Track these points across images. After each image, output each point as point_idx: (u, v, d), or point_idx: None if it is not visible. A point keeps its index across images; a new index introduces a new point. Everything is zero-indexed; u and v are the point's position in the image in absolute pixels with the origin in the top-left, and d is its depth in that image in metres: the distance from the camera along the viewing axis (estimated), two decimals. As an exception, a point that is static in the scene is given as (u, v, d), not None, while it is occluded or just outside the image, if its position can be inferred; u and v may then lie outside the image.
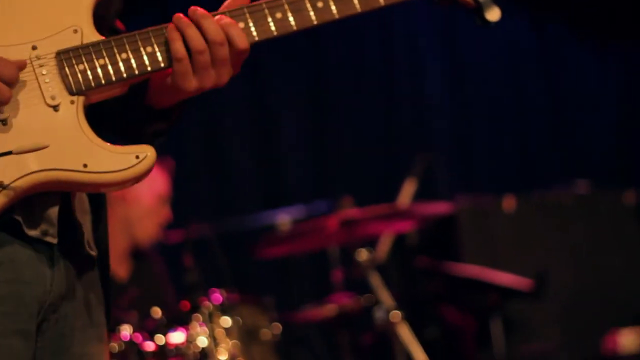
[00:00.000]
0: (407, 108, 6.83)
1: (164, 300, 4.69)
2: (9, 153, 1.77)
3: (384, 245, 5.13)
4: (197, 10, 1.87)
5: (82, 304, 1.92)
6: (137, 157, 1.82)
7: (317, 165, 6.55)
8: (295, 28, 1.93)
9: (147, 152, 1.82)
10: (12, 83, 1.77)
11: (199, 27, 1.86)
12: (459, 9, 2.03)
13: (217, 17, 1.88)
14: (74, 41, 1.84)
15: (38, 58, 1.81)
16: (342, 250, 5.38)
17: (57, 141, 1.79)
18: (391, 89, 6.79)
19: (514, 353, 5.34)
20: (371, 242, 4.64)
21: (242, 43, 1.87)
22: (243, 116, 6.40)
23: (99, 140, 1.82)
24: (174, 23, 1.87)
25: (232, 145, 6.37)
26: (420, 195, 5.25)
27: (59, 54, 1.83)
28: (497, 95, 7.03)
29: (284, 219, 5.59)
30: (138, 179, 1.83)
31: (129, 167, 1.81)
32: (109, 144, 1.82)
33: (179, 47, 1.85)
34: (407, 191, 5.20)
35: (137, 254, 4.72)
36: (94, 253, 1.94)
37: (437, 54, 6.88)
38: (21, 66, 1.79)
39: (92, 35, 1.86)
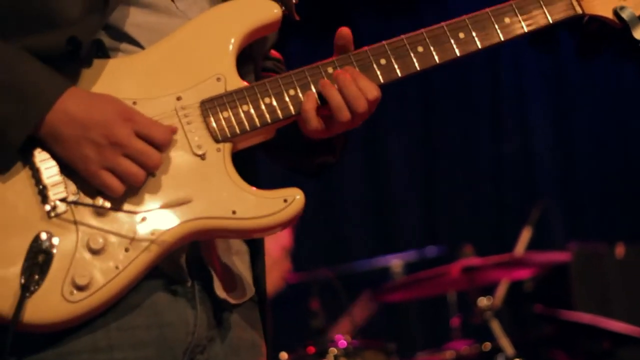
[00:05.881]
0: (516, 157, 6.82)
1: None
2: (156, 209, 1.71)
3: (501, 292, 5.10)
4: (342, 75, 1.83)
5: (235, 344, 1.86)
6: (286, 200, 1.74)
7: (427, 212, 6.56)
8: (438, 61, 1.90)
9: (295, 195, 1.74)
10: (164, 147, 1.71)
11: (342, 91, 1.83)
12: (606, 31, 1.93)
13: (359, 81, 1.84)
14: (217, 89, 1.79)
15: (183, 108, 1.77)
16: (459, 296, 5.38)
17: (206, 189, 1.73)
18: (500, 139, 6.80)
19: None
20: (488, 290, 4.61)
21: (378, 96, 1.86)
22: (355, 163, 6.43)
23: (246, 186, 1.75)
24: (321, 84, 1.83)
25: (344, 190, 6.41)
26: (535, 243, 5.22)
27: (203, 103, 1.78)
28: (603, 142, 6.95)
29: (397, 263, 5.63)
30: (287, 223, 1.74)
31: (277, 212, 1.73)
32: (255, 188, 1.75)
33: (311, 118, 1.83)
34: (524, 239, 5.18)
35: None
36: (236, 300, 1.86)
37: (543, 104, 6.86)
38: (174, 130, 1.73)
39: (236, 82, 1.80)
